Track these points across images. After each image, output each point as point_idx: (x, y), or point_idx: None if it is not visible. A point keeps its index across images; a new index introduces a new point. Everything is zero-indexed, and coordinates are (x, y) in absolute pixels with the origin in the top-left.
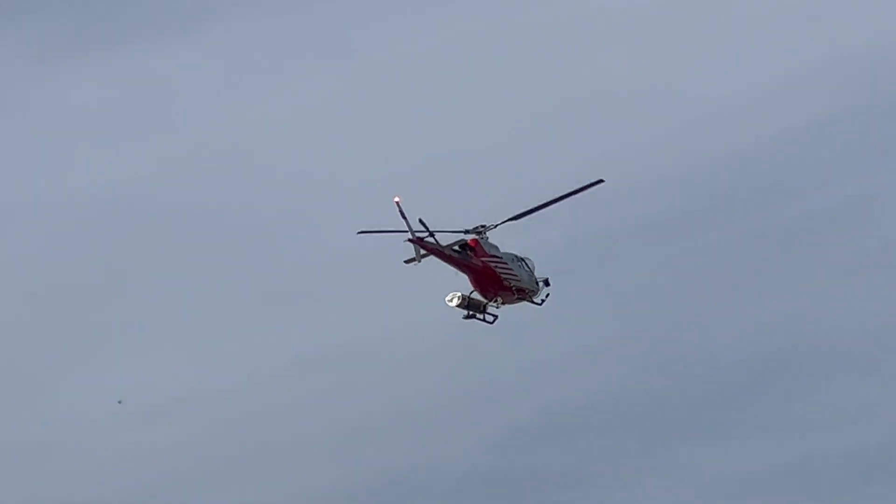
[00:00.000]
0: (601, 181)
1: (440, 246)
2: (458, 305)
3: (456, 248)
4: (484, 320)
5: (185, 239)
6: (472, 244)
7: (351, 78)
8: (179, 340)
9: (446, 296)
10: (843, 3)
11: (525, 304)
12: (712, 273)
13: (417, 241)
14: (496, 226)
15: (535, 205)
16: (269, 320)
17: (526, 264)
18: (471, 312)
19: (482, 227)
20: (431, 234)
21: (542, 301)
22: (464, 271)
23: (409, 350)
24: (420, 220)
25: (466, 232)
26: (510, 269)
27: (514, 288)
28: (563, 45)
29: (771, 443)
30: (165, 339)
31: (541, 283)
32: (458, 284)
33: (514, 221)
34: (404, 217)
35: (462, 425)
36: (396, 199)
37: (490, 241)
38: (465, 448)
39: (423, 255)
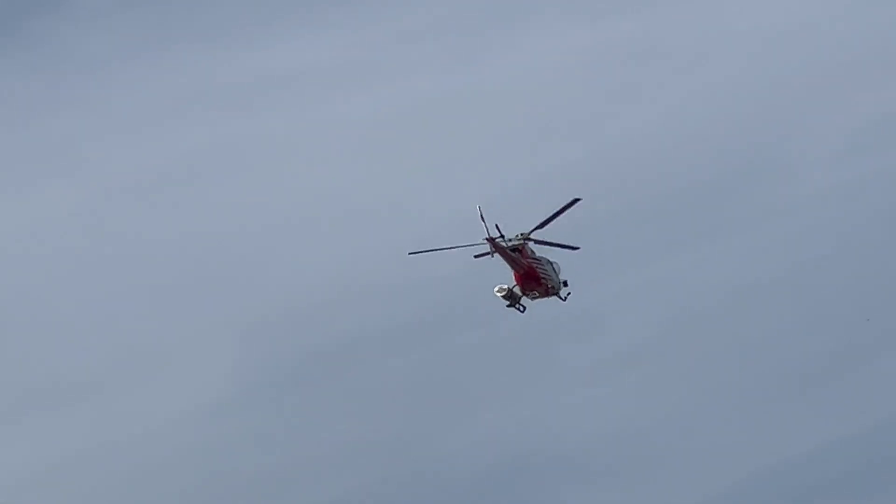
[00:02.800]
0: (578, 199)
1: (506, 247)
2: (503, 297)
3: (511, 250)
4: (518, 310)
5: None
6: (520, 249)
7: (84, 190)
8: None
9: (494, 287)
10: (555, 119)
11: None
12: (447, 382)
13: (491, 241)
14: (530, 232)
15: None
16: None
17: (553, 267)
18: (510, 303)
19: (522, 234)
20: (502, 237)
21: (566, 297)
22: (515, 268)
23: (136, 459)
24: (496, 226)
25: (510, 240)
26: (546, 270)
27: (549, 286)
28: (295, 156)
29: None
30: None
31: (561, 283)
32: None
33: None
34: (484, 221)
35: None
36: (478, 206)
37: (530, 246)
38: None
39: (494, 252)
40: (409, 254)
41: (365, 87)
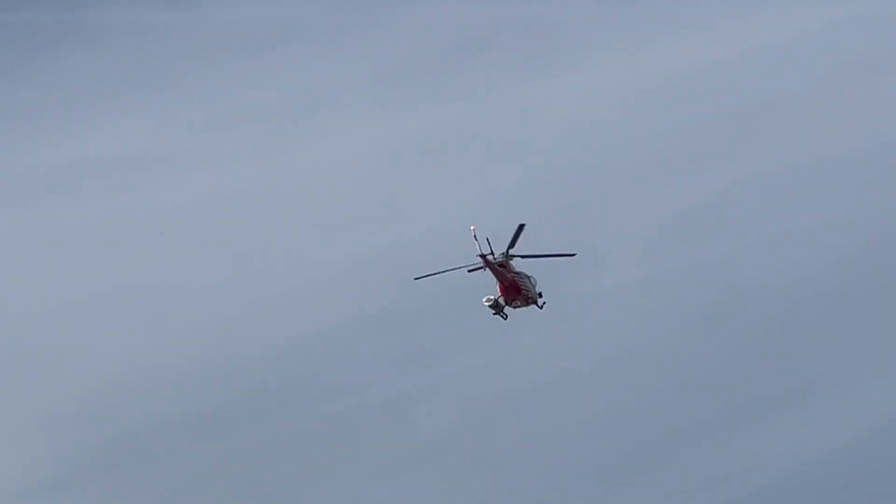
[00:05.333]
0: (574, 254)
1: (494, 263)
2: (490, 306)
3: (499, 266)
4: (501, 317)
5: None
6: (504, 265)
7: None
8: None
9: (483, 298)
10: (365, 209)
11: (532, 308)
12: (245, 471)
13: (483, 257)
14: (514, 256)
15: (530, 253)
16: None
17: (531, 280)
18: (495, 311)
19: (504, 254)
20: (492, 253)
21: (542, 306)
22: (501, 281)
23: None
24: (487, 240)
25: (497, 256)
26: (526, 283)
27: (528, 296)
28: (102, 242)
29: None
30: None
31: (538, 294)
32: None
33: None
34: (477, 240)
35: None
36: (473, 227)
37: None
38: None
39: (485, 267)
40: (415, 279)
41: (174, 174)
